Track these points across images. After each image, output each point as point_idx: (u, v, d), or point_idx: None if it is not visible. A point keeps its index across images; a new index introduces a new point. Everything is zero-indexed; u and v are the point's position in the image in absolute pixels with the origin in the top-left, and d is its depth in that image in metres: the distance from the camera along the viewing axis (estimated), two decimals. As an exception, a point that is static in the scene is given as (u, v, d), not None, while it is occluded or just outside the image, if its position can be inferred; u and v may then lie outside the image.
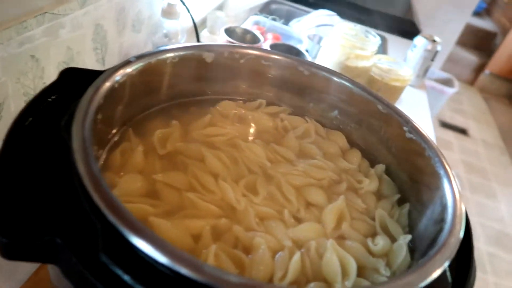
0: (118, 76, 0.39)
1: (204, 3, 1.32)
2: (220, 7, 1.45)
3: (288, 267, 0.35)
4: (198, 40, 1.02)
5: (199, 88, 0.53)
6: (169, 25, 0.96)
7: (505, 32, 3.18)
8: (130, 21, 0.94)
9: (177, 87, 0.50)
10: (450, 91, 2.49)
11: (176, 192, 0.40)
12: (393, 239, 0.41)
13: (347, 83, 0.51)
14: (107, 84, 0.37)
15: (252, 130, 0.52)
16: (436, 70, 2.75)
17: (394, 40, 1.68)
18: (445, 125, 3.06)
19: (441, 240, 0.32)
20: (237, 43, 1.01)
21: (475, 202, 2.34)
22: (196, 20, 1.25)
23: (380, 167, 0.50)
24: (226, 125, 0.51)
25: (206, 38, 1.23)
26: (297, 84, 0.55)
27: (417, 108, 1.35)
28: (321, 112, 0.56)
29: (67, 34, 0.72)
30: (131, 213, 0.27)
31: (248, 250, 0.37)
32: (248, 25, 1.33)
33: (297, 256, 0.36)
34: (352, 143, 0.54)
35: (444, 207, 0.37)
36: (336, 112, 0.54)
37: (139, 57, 0.43)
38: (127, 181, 0.39)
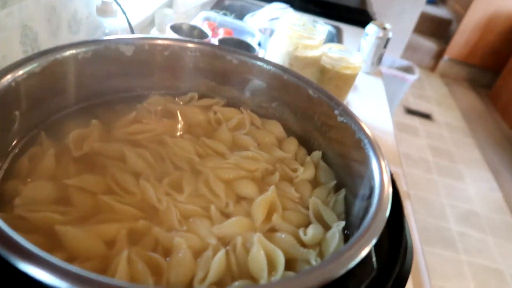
0: (10, 76, 0.35)
1: (151, 0, 1.28)
2: (169, 4, 1.41)
3: (210, 267, 0.32)
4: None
5: (124, 84, 0.50)
6: (109, 23, 0.92)
7: (459, 19, 3.26)
8: (66, 21, 0.89)
9: (97, 84, 0.47)
10: (411, 78, 2.54)
11: (90, 196, 0.37)
12: (328, 227, 0.39)
13: (277, 70, 0.49)
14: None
15: (181, 125, 0.49)
16: (397, 58, 2.79)
17: (349, 30, 1.68)
18: (410, 111, 3.12)
19: (364, 224, 0.31)
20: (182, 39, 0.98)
21: (443, 184, 2.39)
22: (144, 18, 1.21)
23: (317, 154, 0.48)
24: (152, 122, 0.48)
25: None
26: (228, 74, 0.52)
27: (374, 95, 1.36)
28: (257, 102, 0.53)
29: (-13, 38, 0.67)
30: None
31: (169, 252, 0.34)
32: (198, 21, 1.30)
33: (220, 254, 0.33)
34: (289, 132, 0.52)
35: (371, 189, 0.35)
36: (270, 101, 0.52)
37: (43, 53, 0.40)
38: (32, 189, 0.36)
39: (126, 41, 0.46)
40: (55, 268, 0.22)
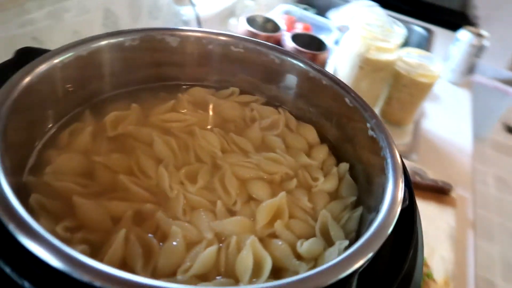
0: (61, 57, 0.39)
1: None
2: (253, -5, 1.43)
3: (196, 259, 0.33)
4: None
5: (170, 73, 0.52)
6: (186, 12, 0.97)
7: None
8: (146, 7, 0.95)
9: (144, 70, 0.50)
10: (515, 92, 2.27)
11: (112, 174, 0.40)
12: (332, 244, 0.38)
13: (316, 73, 0.48)
14: (43, 67, 0.38)
15: (214, 119, 0.50)
16: (502, 69, 2.51)
17: (442, 34, 1.56)
18: (510, 129, 2.81)
19: (347, 251, 0.29)
20: (254, 31, 0.99)
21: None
22: (223, 8, 1.24)
23: (344, 166, 0.46)
24: (188, 112, 0.50)
25: (233, 26, 1.22)
26: (270, 72, 0.52)
27: (457, 108, 1.25)
28: (297, 104, 0.53)
29: (73, 18, 0.75)
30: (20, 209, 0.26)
31: (165, 238, 0.36)
32: (278, 14, 1.30)
33: (211, 249, 0.34)
34: (323, 139, 0.50)
35: (377, 214, 0.33)
36: (308, 104, 0.51)
37: (95, 38, 0.43)
38: (63, 160, 0.40)
39: (171, 33, 0.48)
40: (53, 248, 0.24)
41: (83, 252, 0.29)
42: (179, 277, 0.32)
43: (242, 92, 0.55)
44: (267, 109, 0.53)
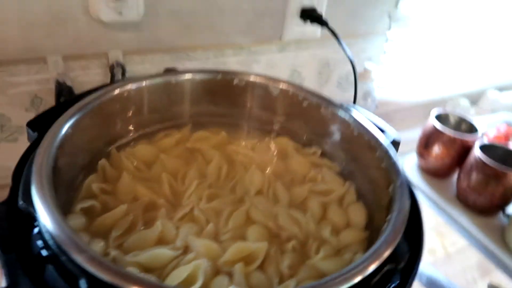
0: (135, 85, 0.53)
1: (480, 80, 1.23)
2: (473, 97, 1.29)
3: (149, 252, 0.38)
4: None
5: (268, 117, 0.59)
6: (369, 86, 1.00)
7: None
8: (336, 77, 1.04)
9: (250, 109, 0.59)
10: None
11: (161, 170, 0.49)
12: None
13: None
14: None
15: (278, 165, 0.53)
16: None
17: None
18: None
19: None
20: (439, 127, 0.93)
21: None
22: (430, 99, 1.19)
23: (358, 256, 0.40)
24: (260, 153, 0.54)
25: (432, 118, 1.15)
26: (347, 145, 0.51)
27: None
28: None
29: (260, 69, 0.91)
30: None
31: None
32: (495, 119, 1.14)
33: (165, 251, 0.38)
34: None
35: None
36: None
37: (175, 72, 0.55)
38: (141, 148, 0.52)
39: (273, 82, 0.55)
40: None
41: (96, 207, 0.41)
42: (126, 257, 0.38)
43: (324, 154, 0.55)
44: (333, 178, 0.51)
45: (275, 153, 0.56)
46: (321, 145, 0.56)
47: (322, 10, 0.89)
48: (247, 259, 0.39)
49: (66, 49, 0.71)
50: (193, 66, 0.83)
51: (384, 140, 0.47)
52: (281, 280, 0.38)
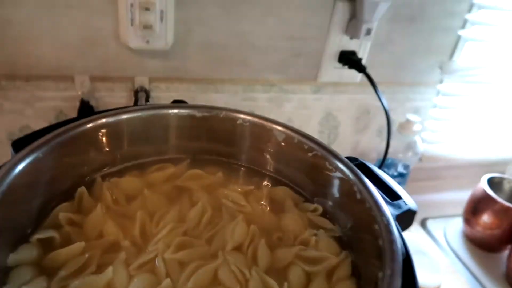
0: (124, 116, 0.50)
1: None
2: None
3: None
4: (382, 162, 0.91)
5: (270, 163, 0.54)
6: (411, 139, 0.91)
7: None
8: (376, 125, 0.96)
9: (247, 153, 0.54)
10: None
11: (140, 207, 0.46)
12: None
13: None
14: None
15: (270, 219, 0.47)
16: None
17: None
18: None
19: None
20: (490, 194, 0.82)
21: None
22: (491, 158, 1.07)
23: None
24: (254, 203, 0.49)
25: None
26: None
27: None
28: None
29: (292, 108, 0.87)
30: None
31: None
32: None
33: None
34: None
35: None
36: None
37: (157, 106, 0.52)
38: (128, 180, 0.49)
39: (279, 128, 0.50)
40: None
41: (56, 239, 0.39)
42: None
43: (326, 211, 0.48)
44: (329, 243, 0.44)
45: (270, 204, 0.50)
46: (324, 202, 0.49)
47: (364, 54, 0.83)
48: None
49: (94, 70, 0.72)
50: (220, 99, 0.81)
51: (386, 212, 0.39)
52: None
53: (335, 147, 0.94)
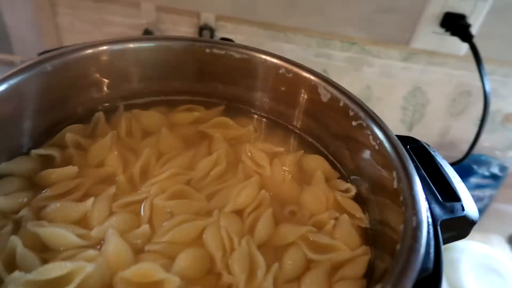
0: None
1: None
2: None
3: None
4: None
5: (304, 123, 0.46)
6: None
7: None
8: (476, 112, 0.80)
9: (291, 110, 0.47)
10: None
11: (150, 145, 0.42)
12: None
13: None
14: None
15: (286, 191, 0.40)
16: None
17: None
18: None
19: None
20: None
21: None
22: None
23: None
24: (277, 167, 0.42)
25: None
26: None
27: None
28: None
29: (372, 74, 0.75)
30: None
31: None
32: None
33: (67, 234, 0.32)
34: None
35: None
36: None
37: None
38: (147, 115, 0.45)
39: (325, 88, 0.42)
40: None
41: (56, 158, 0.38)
42: (33, 223, 0.32)
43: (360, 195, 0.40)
44: (350, 233, 0.36)
45: (297, 172, 0.42)
46: (360, 184, 0.41)
47: (476, 21, 0.67)
48: (148, 287, 0.29)
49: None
50: (290, 51, 0.73)
51: (421, 212, 0.30)
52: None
53: (418, 129, 0.81)
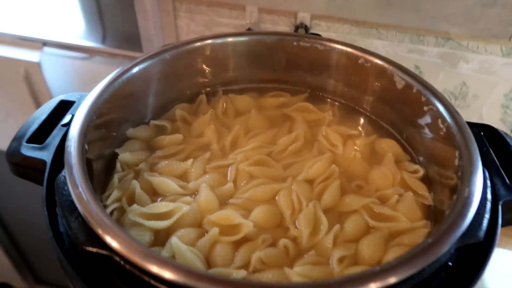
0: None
1: None
2: None
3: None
4: None
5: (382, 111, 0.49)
6: None
7: None
8: None
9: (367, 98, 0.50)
10: None
11: (241, 122, 0.50)
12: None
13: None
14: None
15: (356, 168, 0.44)
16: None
17: None
18: None
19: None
20: None
21: None
22: None
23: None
24: (352, 150, 0.46)
25: None
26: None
27: None
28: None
29: (469, 70, 0.74)
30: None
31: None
32: None
33: (171, 184, 0.40)
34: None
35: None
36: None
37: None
38: (240, 99, 0.53)
39: (399, 76, 0.45)
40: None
41: (167, 128, 0.48)
42: (149, 173, 0.42)
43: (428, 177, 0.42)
44: (413, 208, 0.39)
45: (368, 154, 0.46)
46: (428, 166, 0.43)
47: None
48: (229, 230, 0.36)
49: (262, 2, 0.77)
50: (381, 46, 0.75)
51: (475, 186, 0.32)
52: (245, 268, 0.34)
53: (523, 130, 0.76)
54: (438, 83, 0.77)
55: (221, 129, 0.49)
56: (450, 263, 0.30)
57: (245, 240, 0.36)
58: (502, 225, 0.34)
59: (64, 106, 0.43)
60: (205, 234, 0.36)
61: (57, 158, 0.37)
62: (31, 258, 1.47)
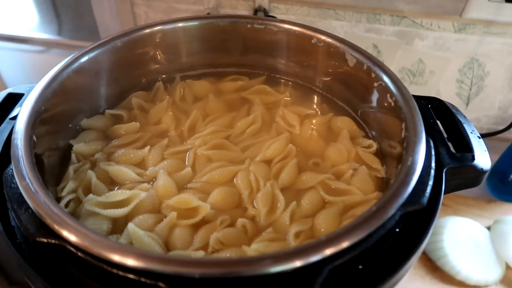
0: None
1: None
2: None
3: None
4: None
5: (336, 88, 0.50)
6: None
7: None
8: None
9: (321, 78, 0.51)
10: None
11: (199, 108, 0.50)
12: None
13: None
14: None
15: (312, 146, 0.45)
16: None
17: None
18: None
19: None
20: None
21: None
22: None
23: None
24: (309, 129, 0.47)
25: None
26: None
27: None
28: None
29: (425, 47, 0.76)
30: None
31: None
32: None
33: (128, 171, 0.40)
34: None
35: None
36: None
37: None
38: (198, 84, 0.53)
39: (350, 54, 0.45)
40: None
41: (124, 117, 0.47)
42: (105, 163, 0.41)
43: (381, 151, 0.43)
44: (366, 181, 0.40)
45: (324, 132, 0.47)
46: (381, 141, 0.44)
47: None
48: (187, 214, 0.37)
49: (221, -14, 0.76)
50: (340, 27, 0.76)
51: (419, 154, 0.33)
52: (204, 249, 0.34)
53: (477, 102, 0.80)
54: (396, 61, 0.79)
55: (179, 115, 0.49)
56: (397, 229, 0.32)
57: (204, 222, 0.37)
58: (447, 192, 0.36)
59: (13, 99, 0.42)
60: (164, 219, 0.36)
61: (5, 153, 0.36)
62: (2, 261, 1.43)
